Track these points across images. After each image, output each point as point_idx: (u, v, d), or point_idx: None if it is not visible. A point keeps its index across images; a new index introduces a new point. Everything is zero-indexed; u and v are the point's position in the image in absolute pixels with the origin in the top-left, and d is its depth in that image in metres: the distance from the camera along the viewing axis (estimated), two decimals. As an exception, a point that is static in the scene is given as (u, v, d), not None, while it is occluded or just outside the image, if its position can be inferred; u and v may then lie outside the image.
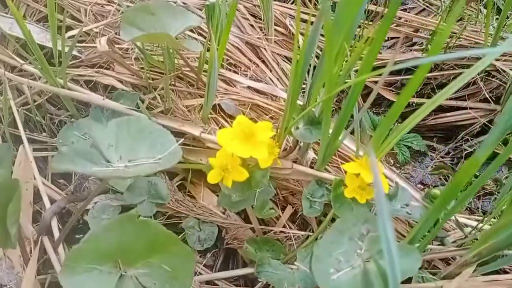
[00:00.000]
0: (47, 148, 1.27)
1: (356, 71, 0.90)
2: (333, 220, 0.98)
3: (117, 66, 1.24)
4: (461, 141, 1.50)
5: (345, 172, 0.96)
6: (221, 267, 1.14)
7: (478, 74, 1.48)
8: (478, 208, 1.38)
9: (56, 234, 1.04)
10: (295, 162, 1.10)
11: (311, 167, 1.12)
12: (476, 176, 1.28)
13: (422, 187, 1.42)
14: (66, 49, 1.15)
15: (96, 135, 0.85)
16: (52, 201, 1.13)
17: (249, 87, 1.25)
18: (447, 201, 0.74)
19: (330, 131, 0.95)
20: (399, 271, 0.68)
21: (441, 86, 1.55)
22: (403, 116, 1.58)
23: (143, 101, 1.18)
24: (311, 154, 1.12)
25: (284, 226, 1.11)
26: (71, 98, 1.21)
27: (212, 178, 0.93)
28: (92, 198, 1.01)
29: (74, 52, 1.28)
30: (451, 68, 1.53)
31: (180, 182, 1.20)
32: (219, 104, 1.17)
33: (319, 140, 0.99)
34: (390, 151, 1.55)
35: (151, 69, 1.22)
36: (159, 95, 1.18)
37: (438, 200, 0.74)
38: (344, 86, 0.81)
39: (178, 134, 1.14)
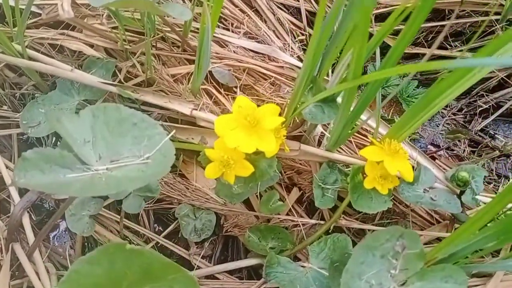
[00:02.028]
0: (10, 125, 1.09)
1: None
2: (349, 205, 0.87)
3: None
4: (475, 96, 1.36)
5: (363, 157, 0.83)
6: (220, 256, 1.03)
7: (498, 23, 1.31)
8: (492, 170, 1.28)
9: (29, 231, 0.90)
10: (301, 136, 0.96)
11: (319, 142, 0.99)
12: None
13: (433, 149, 1.30)
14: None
15: (67, 129, 0.69)
16: (20, 190, 0.98)
17: (244, 48, 1.07)
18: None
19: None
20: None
21: (455, 34, 1.39)
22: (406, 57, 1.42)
23: (119, 70, 1.00)
24: (319, 128, 0.98)
25: (290, 211, 0.99)
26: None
27: (210, 173, 0.78)
28: (70, 203, 0.86)
29: (33, 9, 1.05)
30: (467, 15, 1.35)
31: (169, 160, 1.05)
32: (210, 71, 1.00)
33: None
34: (397, 108, 1.41)
35: (126, 28, 1.02)
36: (138, 62, 0.99)
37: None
38: (370, 79, 0.65)
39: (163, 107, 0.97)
